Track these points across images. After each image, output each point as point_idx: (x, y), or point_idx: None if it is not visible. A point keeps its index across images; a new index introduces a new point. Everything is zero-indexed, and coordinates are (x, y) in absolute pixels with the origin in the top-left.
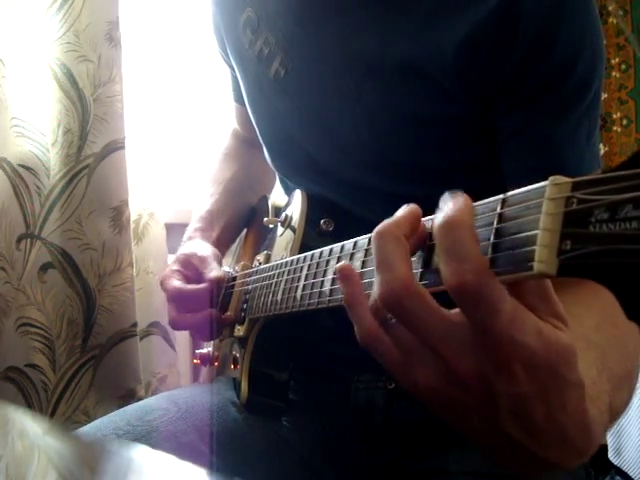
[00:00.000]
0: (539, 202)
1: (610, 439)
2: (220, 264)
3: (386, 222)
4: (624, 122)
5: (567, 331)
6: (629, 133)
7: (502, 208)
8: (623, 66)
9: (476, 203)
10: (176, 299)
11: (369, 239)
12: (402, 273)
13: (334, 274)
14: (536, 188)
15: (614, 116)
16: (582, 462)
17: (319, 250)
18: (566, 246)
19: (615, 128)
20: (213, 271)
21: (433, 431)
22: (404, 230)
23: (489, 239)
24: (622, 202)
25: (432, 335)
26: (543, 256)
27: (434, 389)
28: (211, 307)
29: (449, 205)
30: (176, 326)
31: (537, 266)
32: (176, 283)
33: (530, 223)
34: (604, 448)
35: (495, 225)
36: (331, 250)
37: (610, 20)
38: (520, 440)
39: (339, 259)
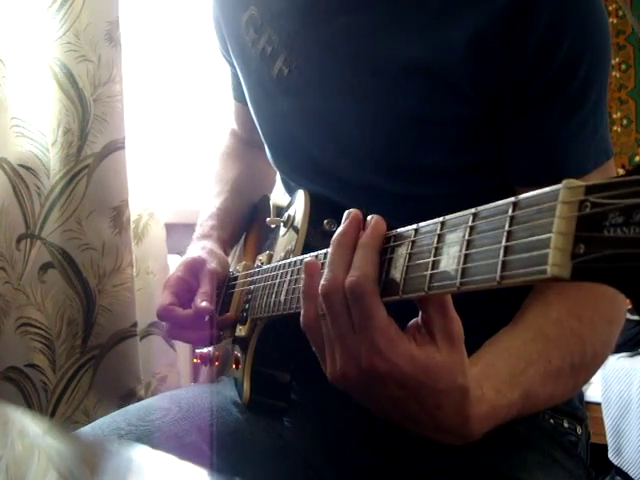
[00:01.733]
0: (553, 205)
1: (610, 439)
2: (222, 281)
3: (339, 232)
4: (624, 122)
5: (446, 350)
6: (629, 133)
7: (514, 211)
8: (623, 66)
9: (487, 205)
10: (163, 317)
11: None
12: (336, 274)
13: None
14: (549, 192)
15: (614, 116)
16: (466, 442)
17: (323, 251)
18: (580, 250)
19: (615, 128)
20: (204, 300)
21: None
22: (354, 238)
23: (501, 242)
24: (636, 206)
25: (339, 332)
26: (557, 259)
27: (332, 378)
28: (202, 329)
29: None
30: (171, 337)
31: (551, 269)
32: (167, 299)
33: (543, 226)
34: (604, 448)
35: (507, 228)
36: None
37: (610, 20)
38: (400, 423)
39: None
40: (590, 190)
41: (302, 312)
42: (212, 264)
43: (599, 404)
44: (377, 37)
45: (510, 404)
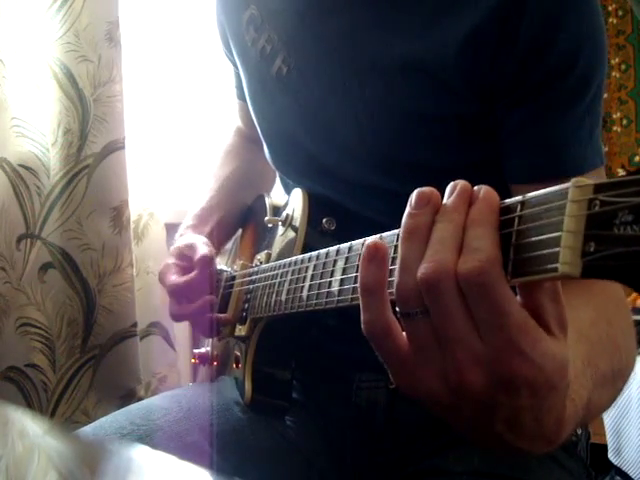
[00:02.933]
0: (562, 204)
1: (610, 439)
2: (211, 248)
3: (449, 207)
4: (624, 122)
5: (564, 340)
6: (629, 133)
7: (522, 210)
8: (623, 66)
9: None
10: (174, 292)
11: (379, 237)
12: (445, 257)
13: (362, 253)
14: (558, 190)
15: (614, 116)
16: (549, 448)
17: (325, 250)
18: (590, 248)
19: (615, 128)
20: (200, 251)
21: (434, 431)
22: (465, 213)
23: (510, 241)
24: None
25: (455, 334)
26: (567, 258)
27: (434, 392)
28: (208, 292)
29: (480, 200)
30: (176, 317)
31: (561, 267)
32: (172, 277)
33: (553, 225)
34: (604, 448)
35: (516, 227)
36: (338, 250)
37: (610, 20)
38: (506, 438)
39: (347, 259)
40: (599, 188)
41: (365, 314)
42: (196, 240)
43: None
44: (373, 35)
45: (583, 406)
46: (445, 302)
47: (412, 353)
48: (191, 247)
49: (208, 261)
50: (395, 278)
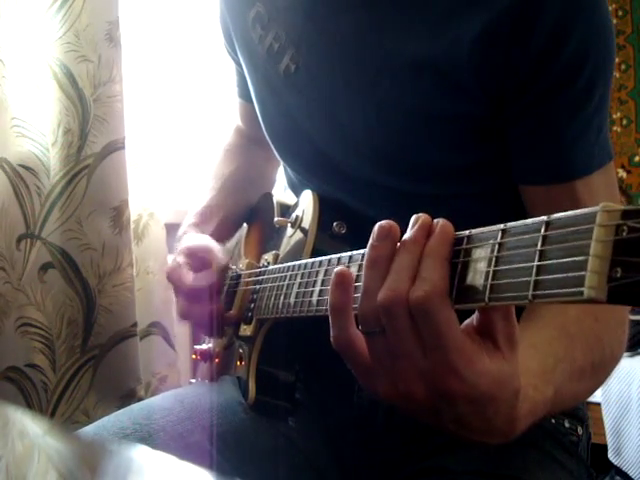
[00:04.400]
0: (589, 228)
1: (610, 439)
2: (220, 251)
3: (409, 239)
4: (624, 122)
5: (511, 355)
6: (629, 133)
7: (547, 230)
8: (623, 66)
9: (516, 223)
10: (189, 292)
11: None
12: (400, 285)
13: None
14: (585, 213)
15: (614, 116)
16: (507, 441)
17: (337, 255)
18: (616, 274)
19: (615, 128)
20: (219, 259)
21: (434, 431)
22: (422, 245)
23: (533, 260)
24: None
25: (404, 351)
26: (593, 282)
27: (389, 396)
28: (219, 296)
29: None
30: (185, 317)
31: (587, 292)
32: (189, 276)
33: (579, 248)
34: (604, 448)
35: (539, 247)
36: (351, 257)
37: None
38: (460, 434)
39: (360, 267)
40: (627, 214)
41: (333, 330)
42: (208, 242)
43: (599, 404)
44: (384, 34)
45: (545, 401)
46: (397, 323)
47: (372, 365)
48: (206, 250)
49: (225, 269)
50: (358, 302)
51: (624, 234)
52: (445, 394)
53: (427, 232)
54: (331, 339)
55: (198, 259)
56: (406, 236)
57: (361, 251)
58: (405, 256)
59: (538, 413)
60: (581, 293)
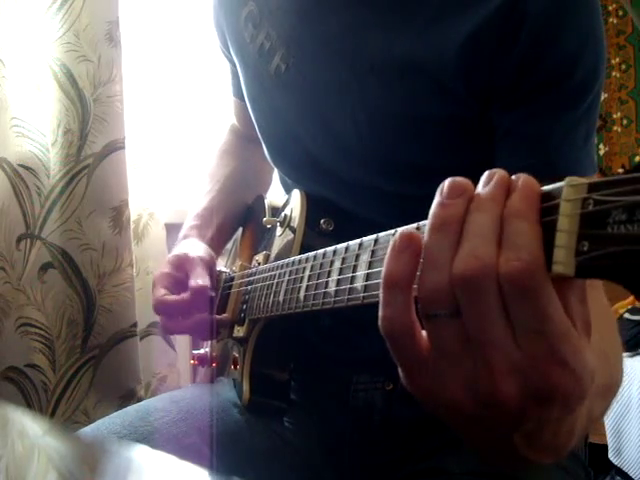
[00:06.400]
0: (556, 203)
1: (610, 439)
2: (210, 267)
3: (486, 197)
4: (624, 122)
5: (589, 344)
6: (629, 133)
7: None
8: (623, 66)
9: None
10: (160, 310)
11: (375, 239)
12: (487, 251)
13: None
14: (552, 189)
15: (614, 116)
16: (554, 460)
17: (322, 250)
18: (583, 247)
19: (615, 128)
20: (198, 279)
21: (432, 431)
22: (502, 205)
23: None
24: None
25: (491, 339)
26: (561, 257)
27: (457, 401)
28: (200, 311)
29: (516, 194)
30: (168, 331)
31: (555, 267)
32: (160, 292)
33: (546, 224)
34: (604, 448)
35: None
36: (335, 250)
37: (610, 20)
38: (520, 451)
39: (344, 260)
40: (593, 188)
41: (386, 310)
42: (197, 253)
43: None
44: (373, 35)
45: (588, 416)
46: (483, 302)
47: (434, 358)
48: (191, 263)
49: (203, 292)
50: (420, 275)
51: (590, 207)
52: (547, 393)
53: (506, 190)
54: (380, 322)
55: (183, 271)
56: (481, 192)
57: (356, 241)
58: (484, 215)
59: (583, 430)
60: (549, 269)
